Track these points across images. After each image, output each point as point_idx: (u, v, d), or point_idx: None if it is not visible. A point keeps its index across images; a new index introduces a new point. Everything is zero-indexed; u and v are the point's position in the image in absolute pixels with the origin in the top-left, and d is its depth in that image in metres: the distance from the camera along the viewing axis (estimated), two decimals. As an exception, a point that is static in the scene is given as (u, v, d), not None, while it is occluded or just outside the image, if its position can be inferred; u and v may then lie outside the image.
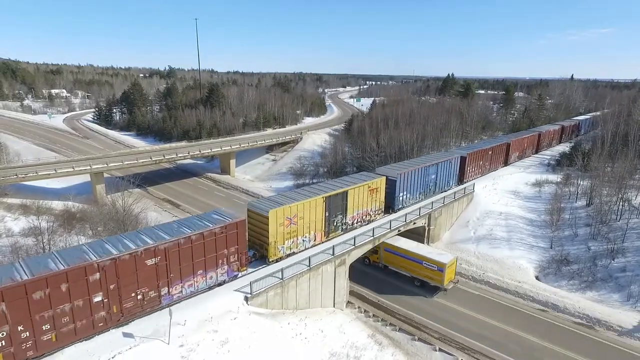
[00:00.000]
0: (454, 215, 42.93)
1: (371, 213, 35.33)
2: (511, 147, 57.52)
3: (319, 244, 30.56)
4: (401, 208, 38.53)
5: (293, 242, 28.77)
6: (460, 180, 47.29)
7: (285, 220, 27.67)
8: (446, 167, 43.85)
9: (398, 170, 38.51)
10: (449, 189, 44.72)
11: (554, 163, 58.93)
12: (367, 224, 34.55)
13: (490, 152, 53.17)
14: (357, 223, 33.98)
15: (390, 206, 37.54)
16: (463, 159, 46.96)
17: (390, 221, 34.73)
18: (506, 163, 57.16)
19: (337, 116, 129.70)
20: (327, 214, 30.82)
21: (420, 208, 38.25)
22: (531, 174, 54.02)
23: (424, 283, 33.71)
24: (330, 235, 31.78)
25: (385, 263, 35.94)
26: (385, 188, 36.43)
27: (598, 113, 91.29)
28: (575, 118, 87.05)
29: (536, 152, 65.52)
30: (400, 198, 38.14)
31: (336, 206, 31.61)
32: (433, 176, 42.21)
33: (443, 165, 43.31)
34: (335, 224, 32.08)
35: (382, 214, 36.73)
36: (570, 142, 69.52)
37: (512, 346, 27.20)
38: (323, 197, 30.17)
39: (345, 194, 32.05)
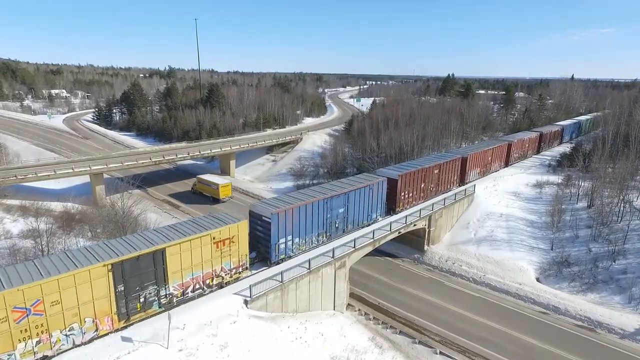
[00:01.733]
0: (454, 217, 42.79)
1: (224, 273, 24.40)
2: (470, 163, 47.66)
3: (111, 332, 20.35)
4: (284, 259, 28.14)
5: (41, 342, 18.06)
6: (392, 209, 37.73)
7: (12, 312, 17.00)
8: (364, 195, 33.60)
9: (279, 205, 28.03)
10: (370, 223, 34.90)
11: (554, 164, 58.78)
12: (220, 287, 24.54)
13: (436, 171, 42.20)
14: (196, 290, 23.51)
15: (267, 257, 27.73)
16: (393, 182, 36.78)
17: (391, 223, 34.60)
18: (462, 182, 47.17)
19: (337, 116, 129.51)
20: (120, 289, 20.17)
21: (420, 210, 38.13)
22: (532, 175, 53.86)
23: (213, 198, 55.78)
24: (133, 318, 21.09)
25: (199, 189, 58.63)
26: (257, 231, 27.70)
27: (585, 117, 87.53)
28: (558, 123, 79.45)
29: (506, 165, 57.33)
30: (282, 246, 27.70)
31: (140, 274, 20.80)
32: (341, 210, 32.01)
33: (359, 194, 33.00)
34: (142, 300, 21.27)
35: (249, 269, 26.20)
36: (552, 150, 68.17)
37: (513, 349, 27.07)
38: (106, 265, 19.33)
39: (161, 254, 21.24)
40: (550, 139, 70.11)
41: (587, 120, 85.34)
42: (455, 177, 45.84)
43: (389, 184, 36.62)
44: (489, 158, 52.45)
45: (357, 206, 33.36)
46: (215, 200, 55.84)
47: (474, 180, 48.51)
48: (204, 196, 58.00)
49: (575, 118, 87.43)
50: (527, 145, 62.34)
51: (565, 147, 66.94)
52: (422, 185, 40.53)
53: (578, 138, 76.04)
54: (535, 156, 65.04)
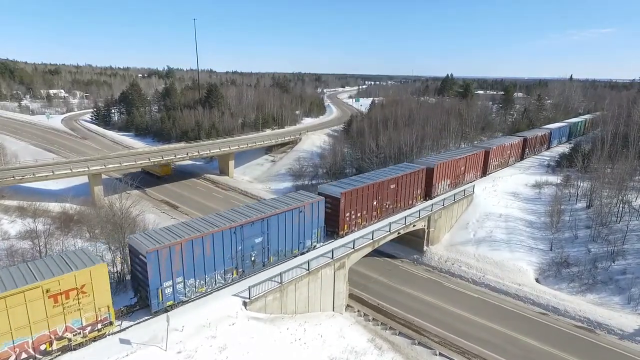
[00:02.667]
0: (453, 217, 42.74)
1: (71, 334, 18.47)
2: (437, 174, 41.94)
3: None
4: (173, 305, 22.21)
5: None
6: (334, 233, 32.22)
7: None
8: (292, 219, 27.64)
9: (162, 239, 21.66)
10: (303, 252, 29.26)
11: (553, 164, 58.79)
12: (68, 351, 18.73)
13: (393, 186, 36.53)
14: None
15: (147, 303, 21.87)
16: (335, 201, 31.38)
17: (390, 224, 34.54)
18: (428, 196, 42.46)
19: (336, 116, 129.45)
20: None
21: (420, 210, 38.07)
22: (531, 175, 53.86)
23: (157, 176, 67.55)
24: None
25: (146, 169, 66.26)
26: (136, 270, 22.19)
27: (576, 120, 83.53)
28: (546, 127, 73.78)
29: (484, 175, 51.73)
30: (168, 290, 21.71)
31: None
32: (258, 239, 25.85)
33: (285, 218, 27.13)
34: None
35: (115, 323, 20.09)
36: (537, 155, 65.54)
37: (512, 350, 27.03)
38: None
39: None
40: (536, 145, 64.88)
41: (578, 123, 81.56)
42: (418, 191, 40.26)
43: (331, 203, 31.15)
44: (462, 168, 46.36)
45: (283, 233, 27.21)
46: (157, 177, 67.88)
47: (442, 194, 43.01)
48: (151, 174, 68.72)
49: (566, 121, 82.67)
50: (508, 152, 56.71)
51: (552, 153, 64.72)
52: (375, 203, 34.85)
53: (570, 142, 72.53)
54: (518, 163, 59.55)
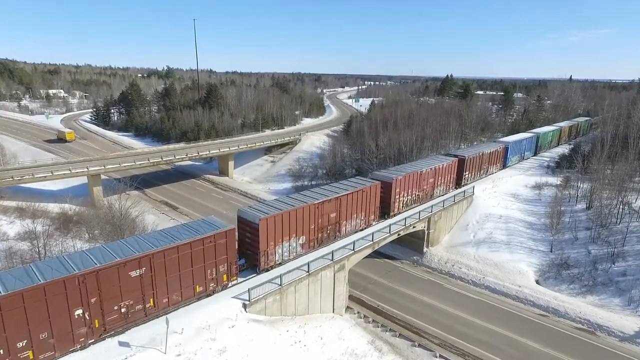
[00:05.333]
0: (453, 219, 42.69)
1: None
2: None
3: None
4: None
5: None
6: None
7: None
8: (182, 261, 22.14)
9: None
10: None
11: (553, 165, 58.76)
12: None
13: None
14: None
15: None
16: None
17: (390, 225, 34.50)
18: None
19: (335, 117, 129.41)
20: None
21: (419, 212, 38.01)
22: (531, 177, 53.81)
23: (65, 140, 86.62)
24: None
25: (59, 136, 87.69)
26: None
27: (548, 129, 70.55)
28: (502, 140, 61.04)
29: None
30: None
31: None
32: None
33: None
34: None
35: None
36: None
37: (512, 352, 26.98)
38: None
39: None
40: (482, 165, 50.33)
41: (549, 133, 68.53)
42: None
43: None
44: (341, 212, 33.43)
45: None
46: (65, 141, 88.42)
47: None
48: (62, 140, 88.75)
49: (533, 130, 69.24)
50: (431, 180, 41.41)
51: (509, 174, 53.67)
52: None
53: (536, 155, 64.13)
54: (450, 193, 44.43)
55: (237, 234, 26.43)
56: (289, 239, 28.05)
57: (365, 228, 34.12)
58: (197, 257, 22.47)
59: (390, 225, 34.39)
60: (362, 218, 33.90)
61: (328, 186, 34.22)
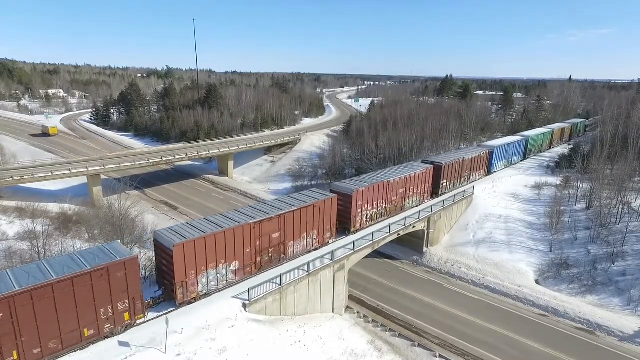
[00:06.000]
0: (453, 219, 42.70)
1: None
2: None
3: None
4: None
5: None
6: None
7: None
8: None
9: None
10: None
11: (553, 165, 58.78)
12: None
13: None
14: None
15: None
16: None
17: (390, 225, 34.50)
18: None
19: (335, 117, 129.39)
20: None
21: (419, 211, 38.01)
22: (530, 177, 53.83)
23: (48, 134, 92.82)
24: None
25: (43, 131, 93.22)
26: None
27: (540, 131, 67.92)
28: (487, 143, 57.24)
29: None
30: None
31: None
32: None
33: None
34: None
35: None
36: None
37: (512, 352, 26.99)
38: None
39: None
40: (462, 172, 46.55)
41: (539, 137, 65.51)
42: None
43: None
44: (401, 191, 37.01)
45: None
46: (49, 135, 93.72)
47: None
48: (46, 134, 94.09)
49: (522, 133, 65.95)
50: (401, 190, 37.73)
51: (490, 183, 49.09)
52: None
53: (525, 160, 61.37)
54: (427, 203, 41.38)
55: (154, 259, 23.77)
56: (217, 266, 23.83)
57: (319, 247, 30.25)
58: (84, 296, 18.52)
59: (390, 225, 34.36)
60: (315, 237, 29.90)
61: (274, 201, 30.25)
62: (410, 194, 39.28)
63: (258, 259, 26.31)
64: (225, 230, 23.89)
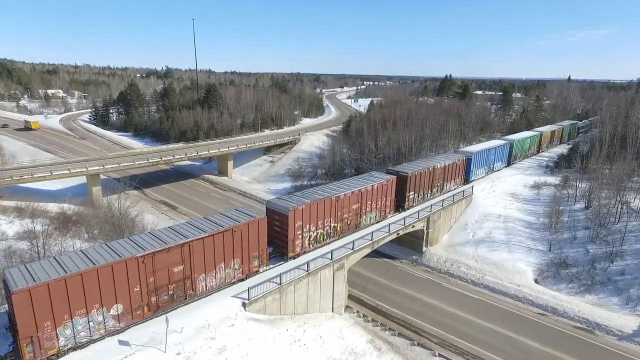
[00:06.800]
0: (452, 218, 42.77)
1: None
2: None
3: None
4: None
5: None
6: None
7: None
8: None
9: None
10: None
11: (552, 165, 58.88)
12: None
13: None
14: None
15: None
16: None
17: (390, 224, 34.57)
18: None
19: (335, 117, 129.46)
20: None
21: (419, 211, 38.07)
22: (530, 176, 53.93)
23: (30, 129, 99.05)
24: None
25: (26, 125, 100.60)
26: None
27: (525, 135, 63.36)
28: (464, 149, 52.08)
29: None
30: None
31: None
32: None
33: None
34: None
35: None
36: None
37: (511, 351, 27.05)
38: None
39: None
40: (433, 182, 41.97)
41: (524, 140, 60.82)
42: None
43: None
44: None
45: None
46: (31, 129, 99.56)
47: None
48: (28, 128, 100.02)
49: (506, 137, 61.81)
50: (355, 206, 32.99)
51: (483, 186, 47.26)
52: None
53: (510, 166, 57.17)
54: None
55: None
56: (88, 313, 18.99)
57: (245, 278, 25.60)
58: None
59: (389, 225, 34.41)
60: (238, 266, 25.02)
61: (183, 225, 24.70)
62: (368, 209, 34.44)
63: (153, 299, 21.50)
64: (98, 268, 18.93)
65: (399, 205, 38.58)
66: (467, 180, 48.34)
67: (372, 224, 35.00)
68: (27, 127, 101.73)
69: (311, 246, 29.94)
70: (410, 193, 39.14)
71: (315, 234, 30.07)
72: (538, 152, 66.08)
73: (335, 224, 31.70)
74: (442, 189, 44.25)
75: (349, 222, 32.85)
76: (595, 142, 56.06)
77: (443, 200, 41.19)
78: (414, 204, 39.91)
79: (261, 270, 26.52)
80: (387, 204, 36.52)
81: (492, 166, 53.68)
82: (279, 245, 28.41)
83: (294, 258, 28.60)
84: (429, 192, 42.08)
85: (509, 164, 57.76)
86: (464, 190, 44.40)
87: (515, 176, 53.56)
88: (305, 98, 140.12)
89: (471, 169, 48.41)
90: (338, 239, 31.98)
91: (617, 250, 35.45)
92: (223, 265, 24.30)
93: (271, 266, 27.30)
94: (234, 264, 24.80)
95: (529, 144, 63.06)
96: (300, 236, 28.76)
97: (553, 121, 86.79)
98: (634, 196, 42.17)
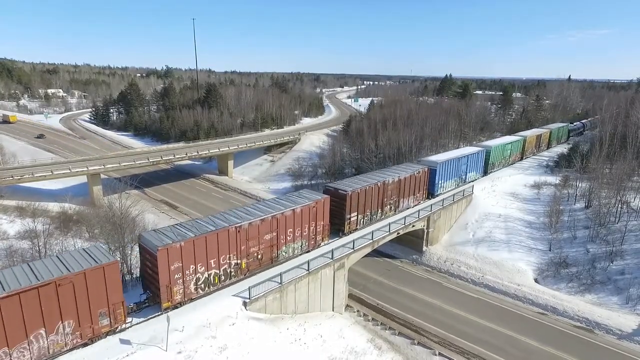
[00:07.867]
0: (452, 218, 42.82)
1: None
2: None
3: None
4: None
5: None
6: None
7: None
8: None
9: None
10: None
11: (552, 164, 58.91)
12: None
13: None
14: None
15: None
16: None
17: (390, 224, 34.62)
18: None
19: (335, 117, 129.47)
20: None
21: (419, 211, 38.10)
22: (530, 176, 53.97)
23: (8, 122, 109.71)
24: None
25: (4, 119, 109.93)
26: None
27: (511, 139, 58.95)
28: (428, 158, 45.59)
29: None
30: None
31: None
32: None
33: None
34: None
35: None
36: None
37: (511, 350, 27.11)
38: None
39: None
40: (385, 199, 36.13)
41: (504, 146, 55.15)
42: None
43: None
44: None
45: None
46: (9, 123, 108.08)
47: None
48: (7, 122, 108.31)
49: (482, 143, 56.29)
50: (262, 239, 26.40)
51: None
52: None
53: (485, 177, 51.18)
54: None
55: None
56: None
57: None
58: None
59: (390, 224, 34.43)
60: (74, 330, 18.72)
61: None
62: (289, 238, 28.09)
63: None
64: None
65: (338, 229, 32.54)
66: (431, 195, 42.37)
67: (298, 256, 28.95)
68: (5, 121, 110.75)
69: (198, 291, 23.53)
70: (352, 215, 32.75)
71: (204, 276, 23.57)
72: (522, 158, 61.10)
73: (239, 260, 25.37)
74: (398, 207, 38.18)
75: (259, 256, 26.49)
76: (595, 142, 56.09)
77: (443, 200, 41.22)
78: (357, 227, 33.66)
79: (126, 325, 20.77)
80: (317, 229, 30.05)
81: (464, 177, 47.35)
82: (153, 290, 22.45)
83: (176, 308, 22.50)
84: (379, 211, 35.99)
85: (485, 173, 51.75)
86: (464, 190, 44.43)
87: (516, 176, 53.59)
88: (305, 98, 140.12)
89: (436, 182, 42.23)
90: (244, 278, 25.84)
91: (617, 250, 35.50)
92: (59, 327, 18.29)
93: (152, 316, 21.99)
94: (64, 328, 18.41)
95: (510, 151, 56.75)
96: (181, 281, 22.37)
97: (553, 121, 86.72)
98: (634, 196, 42.19)
